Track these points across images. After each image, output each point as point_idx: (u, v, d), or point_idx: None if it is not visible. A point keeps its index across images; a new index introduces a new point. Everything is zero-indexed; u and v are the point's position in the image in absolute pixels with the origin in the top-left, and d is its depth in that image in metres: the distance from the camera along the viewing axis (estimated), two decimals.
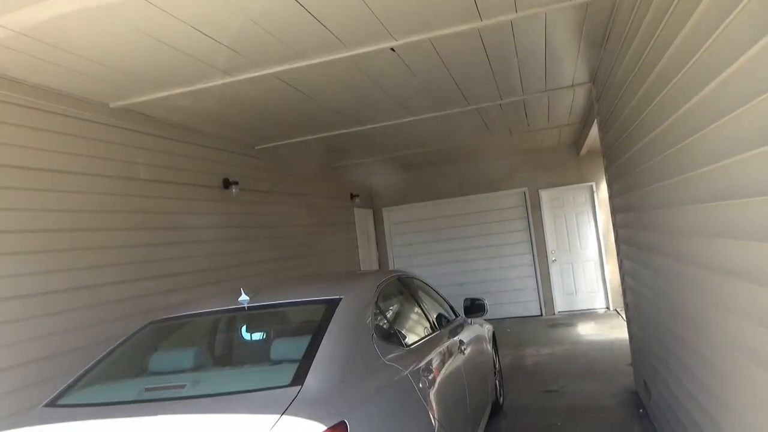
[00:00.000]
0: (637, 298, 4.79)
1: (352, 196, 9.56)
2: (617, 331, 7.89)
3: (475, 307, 4.45)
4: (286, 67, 3.95)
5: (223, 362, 2.78)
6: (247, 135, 6.06)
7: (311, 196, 7.99)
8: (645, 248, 4.12)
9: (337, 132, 6.28)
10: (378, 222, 10.71)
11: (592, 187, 9.70)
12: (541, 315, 9.89)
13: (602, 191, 9.61)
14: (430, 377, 2.82)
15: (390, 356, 2.61)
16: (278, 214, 6.89)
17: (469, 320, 4.55)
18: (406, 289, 3.59)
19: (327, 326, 2.48)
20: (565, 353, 6.99)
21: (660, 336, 3.95)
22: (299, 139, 6.39)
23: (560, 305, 9.89)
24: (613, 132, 4.84)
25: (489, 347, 4.99)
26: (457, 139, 7.84)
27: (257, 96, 4.65)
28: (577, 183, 9.75)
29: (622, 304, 9.78)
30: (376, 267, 10.49)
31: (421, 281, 4.34)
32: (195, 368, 2.61)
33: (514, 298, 10.07)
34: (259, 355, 2.80)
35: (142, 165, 4.64)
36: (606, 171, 5.53)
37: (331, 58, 3.84)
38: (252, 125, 5.67)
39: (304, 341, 2.44)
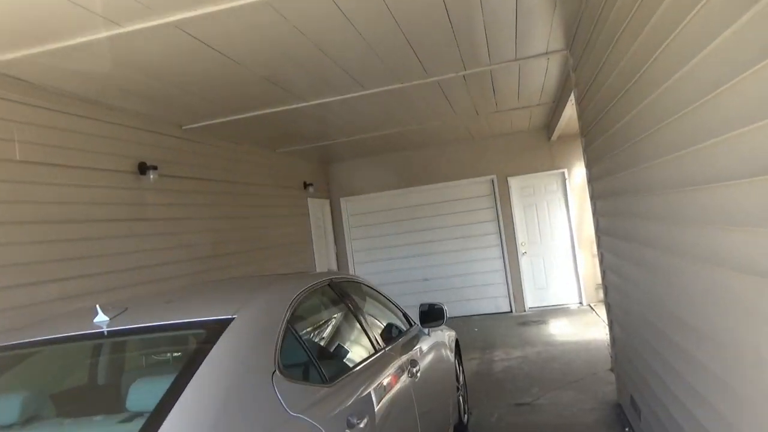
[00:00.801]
0: (622, 298, 4.10)
1: (306, 185, 8.71)
2: (593, 330, 7.25)
3: (432, 314, 3.68)
4: (189, 14, 3.08)
5: (64, 412, 1.95)
6: (171, 112, 5.16)
7: (254, 184, 7.12)
8: (634, 240, 3.42)
9: (277, 109, 5.42)
10: (335, 213, 9.88)
11: (564, 174, 9.05)
12: (511, 311, 9.23)
13: (575, 178, 8.97)
14: (363, 423, 2.04)
15: (301, 404, 1.81)
16: (211, 204, 6.00)
17: (426, 330, 3.77)
18: (340, 299, 2.79)
19: (200, 362, 1.67)
20: (538, 357, 6.31)
21: (652, 344, 3.26)
22: (234, 117, 5.51)
23: (531, 301, 9.24)
24: (594, 105, 4.12)
25: (451, 357, 4.25)
26: (419, 120, 7.06)
27: (164, 58, 3.77)
28: (549, 170, 9.09)
29: (596, 299, 9.24)
30: (333, 263, 9.68)
31: (365, 285, 3.54)
32: (21, 422, 1.78)
33: (482, 294, 9.39)
34: (111, 401, 1.97)
35: (20, 143, 3.72)
36: (584, 151, 4.82)
37: (242, 2, 3.00)
38: (174, 99, 4.77)
39: (163, 385, 1.62)
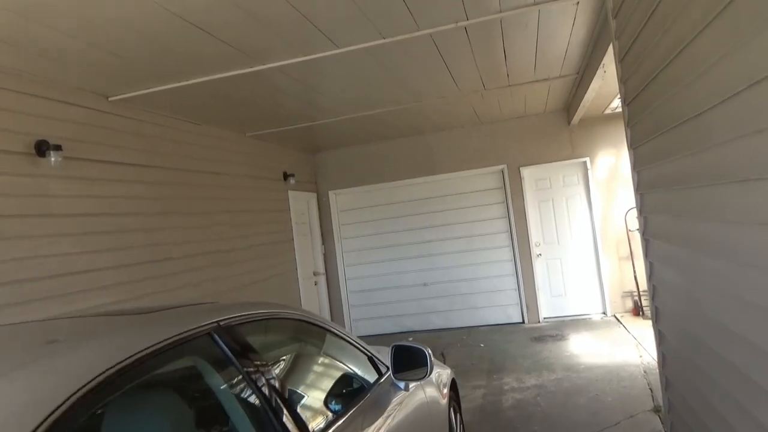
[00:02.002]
0: (683, 326, 2.89)
1: (286, 176, 7.52)
2: (623, 349, 6.01)
3: (410, 362, 2.48)
4: None
5: None
6: (92, 78, 3.98)
7: (217, 174, 5.94)
8: (708, 250, 2.22)
9: (233, 73, 4.23)
10: (323, 208, 8.69)
11: (586, 163, 7.79)
12: (523, 322, 8.00)
13: (599, 168, 7.72)
14: None
15: None
16: (153, 198, 4.83)
17: (402, 384, 2.56)
18: (231, 360, 1.56)
19: None
20: (558, 387, 5.09)
21: (735, 396, 2.06)
22: (173, 85, 4.33)
23: (546, 310, 8.01)
24: (648, 58, 2.89)
25: (443, 406, 3.05)
26: (415, 95, 5.84)
27: (83, 9, 2.59)
28: (568, 159, 7.84)
29: (622, 310, 8.00)
30: (320, 265, 8.50)
31: (305, 321, 2.32)
32: None
33: (490, 302, 8.17)
34: None
35: None
36: (628, 126, 3.59)
37: None
38: (95, 60, 3.60)
39: None
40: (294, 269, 7.46)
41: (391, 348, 2.51)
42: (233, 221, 6.15)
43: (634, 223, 7.49)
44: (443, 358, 6.57)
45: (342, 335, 2.42)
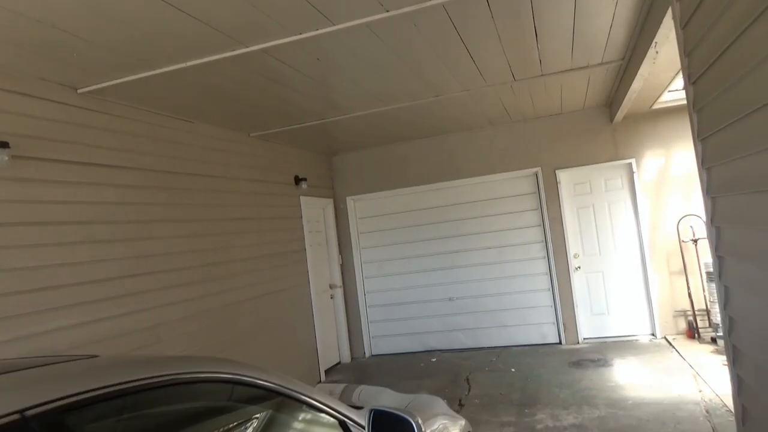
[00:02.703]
0: None
1: (298, 180, 6.91)
2: (679, 379, 5.16)
3: None
4: None
5: None
6: (56, 66, 3.44)
7: (213, 177, 5.36)
8: None
9: (215, 57, 3.63)
10: (341, 215, 8.05)
11: (631, 165, 6.95)
12: (560, 343, 7.18)
13: (646, 170, 6.86)
14: None
15: None
16: (131, 203, 4.26)
17: None
18: None
19: None
20: (603, 428, 4.29)
21: None
22: (153, 71, 3.75)
23: (586, 330, 7.17)
24: (725, 17, 2.16)
25: None
26: (435, 87, 5.16)
27: None
28: (611, 160, 7.01)
29: (674, 331, 7.08)
30: (336, 277, 7.85)
31: (242, 379, 1.63)
32: None
33: (523, 320, 7.37)
34: None
35: None
36: (695, 111, 2.81)
37: None
38: (59, 46, 3.05)
39: None
40: (306, 282, 6.83)
41: (367, 414, 1.80)
42: (236, 229, 5.57)
43: (687, 232, 6.60)
44: (468, 385, 5.82)
45: (302, 398, 1.73)
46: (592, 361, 6.19)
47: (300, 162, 7.15)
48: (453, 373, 6.37)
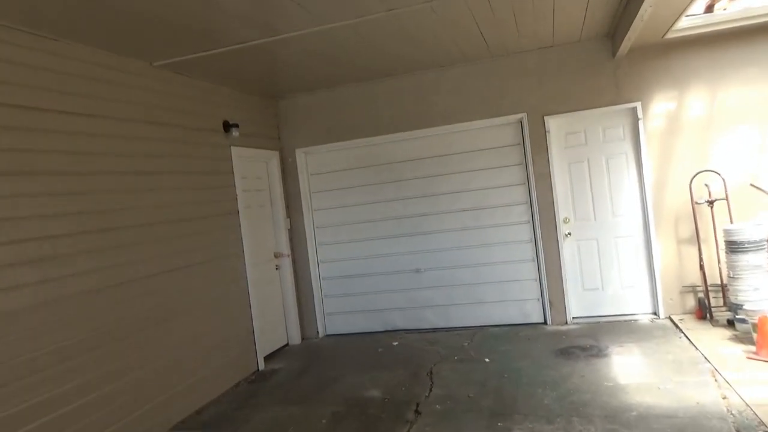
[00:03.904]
0: None
1: (227, 127, 5.59)
2: (692, 378, 4.06)
3: None
4: None
5: None
6: None
7: (103, 118, 4.05)
8: None
9: None
10: (289, 171, 6.77)
11: (635, 110, 5.71)
12: (545, 323, 6.07)
13: (654, 118, 5.63)
14: None
15: None
16: None
17: None
18: None
19: None
20: None
21: None
22: None
23: (576, 308, 6.05)
24: None
25: None
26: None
27: None
28: (612, 104, 5.76)
29: (681, 311, 5.59)
30: (283, 244, 6.61)
31: None
32: None
33: (503, 295, 6.23)
34: None
35: None
36: None
37: None
38: None
39: None
40: (239, 251, 5.60)
41: None
42: (135, 187, 4.31)
43: (702, 192, 5.43)
44: (431, 381, 4.70)
45: None
46: (583, 349, 5.08)
47: (231, 104, 5.81)
48: (415, 363, 5.24)
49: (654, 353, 4.73)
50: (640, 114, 5.66)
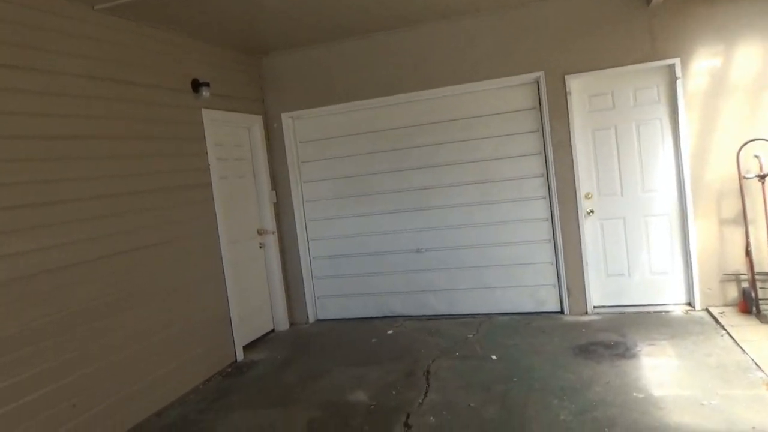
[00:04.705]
0: None
1: (197, 86, 4.85)
2: (744, 389, 3.32)
3: None
4: None
5: None
6: None
7: (36, 71, 3.32)
8: None
9: None
10: (275, 138, 6.03)
11: (673, 68, 4.87)
12: (562, 312, 5.35)
13: (695, 76, 4.80)
14: None
15: None
16: None
17: None
18: None
19: None
20: None
21: None
22: None
23: (598, 297, 5.32)
24: None
25: None
26: None
27: None
28: (645, 61, 4.92)
29: (721, 302, 4.58)
30: (268, 220, 5.91)
31: None
32: None
33: (513, 280, 5.51)
34: None
35: None
36: None
37: None
38: None
39: None
40: (212, 228, 4.92)
41: None
42: (80, 153, 3.62)
43: (752, 165, 4.62)
44: (426, 383, 4.01)
45: None
46: (607, 346, 4.36)
47: (204, 60, 5.06)
48: (411, 358, 4.56)
49: (692, 355, 3.99)
50: (678, 72, 4.82)
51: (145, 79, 4.30)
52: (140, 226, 4.10)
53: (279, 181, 6.01)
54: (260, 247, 5.82)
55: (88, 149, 3.70)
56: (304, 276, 6.05)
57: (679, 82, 4.82)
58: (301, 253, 6.04)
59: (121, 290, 3.88)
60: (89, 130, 3.75)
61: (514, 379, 3.89)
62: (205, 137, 4.91)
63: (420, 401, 3.72)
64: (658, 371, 3.80)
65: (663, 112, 4.99)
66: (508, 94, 5.37)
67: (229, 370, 4.84)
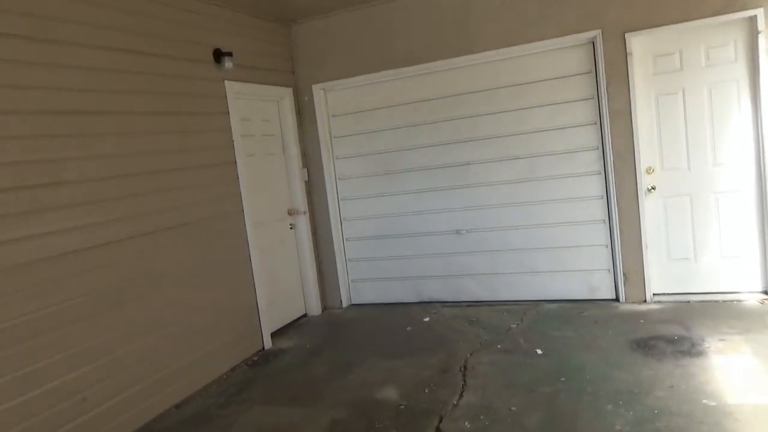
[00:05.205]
0: None
1: (219, 56, 4.52)
2: None
3: None
4: None
5: None
6: None
7: (33, 40, 3.05)
8: None
9: None
10: (305, 112, 5.68)
11: (754, 20, 4.21)
12: (617, 300, 4.84)
13: None
14: None
15: None
16: None
17: None
18: None
19: None
20: None
21: None
22: None
23: (658, 283, 4.77)
24: None
25: None
26: None
27: None
28: (720, 14, 4.27)
29: None
30: (299, 199, 5.60)
31: None
32: None
33: (563, 264, 5.03)
34: None
35: None
36: None
37: None
38: None
39: None
40: (237, 209, 4.63)
41: None
42: (98, 130, 3.37)
43: None
44: (463, 381, 3.63)
45: None
46: (670, 341, 3.85)
47: (227, 29, 4.72)
48: (447, 350, 4.18)
49: None
50: (761, 25, 4.16)
51: (162, 50, 3.99)
52: (158, 208, 3.84)
53: (310, 158, 5.67)
54: (291, 228, 5.53)
55: (96, 126, 3.44)
56: (337, 258, 5.73)
57: (761, 37, 4.17)
58: (333, 234, 5.72)
59: (139, 276, 3.64)
60: (100, 105, 3.48)
61: (562, 379, 3.46)
62: (228, 111, 4.60)
63: (455, 402, 3.34)
64: (731, 373, 3.29)
65: (740, 73, 4.34)
66: (559, 58, 4.81)
67: (255, 358, 4.59)
